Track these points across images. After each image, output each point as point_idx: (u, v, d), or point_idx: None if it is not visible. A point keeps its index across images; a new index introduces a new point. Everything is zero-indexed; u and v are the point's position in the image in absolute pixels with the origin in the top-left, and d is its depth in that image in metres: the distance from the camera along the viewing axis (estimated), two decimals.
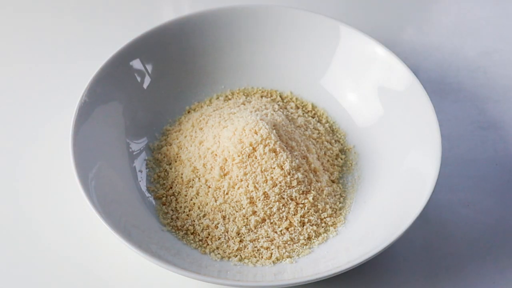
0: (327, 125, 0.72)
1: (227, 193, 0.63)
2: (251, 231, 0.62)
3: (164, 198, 0.65)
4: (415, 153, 0.64)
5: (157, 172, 0.68)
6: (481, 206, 0.67)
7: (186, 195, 0.65)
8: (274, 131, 0.65)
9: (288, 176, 0.63)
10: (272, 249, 0.61)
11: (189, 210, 0.64)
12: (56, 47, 0.82)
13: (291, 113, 0.71)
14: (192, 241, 0.62)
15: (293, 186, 0.63)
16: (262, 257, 0.61)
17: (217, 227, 0.62)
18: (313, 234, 0.62)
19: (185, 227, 0.63)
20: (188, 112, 0.73)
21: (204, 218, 0.63)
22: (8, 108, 0.76)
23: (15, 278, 0.61)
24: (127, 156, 0.67)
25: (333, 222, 0.64)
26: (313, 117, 0.72)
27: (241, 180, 0.63)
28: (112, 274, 0.62)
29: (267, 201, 0.63)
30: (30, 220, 0.65)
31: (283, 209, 0.63)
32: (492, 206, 0.67)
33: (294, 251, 0.61)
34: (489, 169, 0.70)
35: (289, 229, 0.62)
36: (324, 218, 0.64)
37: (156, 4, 0.90)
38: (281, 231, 0.62)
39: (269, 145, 0.64)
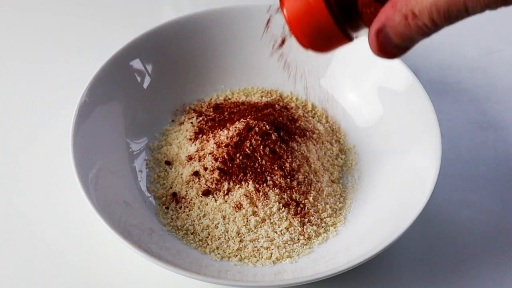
0: (327, 125, 0.72)
1: (227, 193, 0.63)
2: (251, 231, 0.62)
3: (164, 198, 0.65)
4: (415, 153, 0.64)
5: (157, 172, 0.68)
6: (481, 206, 0.67)
7: (186, 195, 0.65)
8: (275, 131, 0.65)
9: (289, 177, 0.63)
10: (272, 249, 0.61)
11: (189, 210, 0.64)
12: (56, 47, 0.82)
13: (291, 113, 0.71)
14: (192, 241, 0.62)
15: (293, 187, 0.63)
16: (262, 257, 0.61)
17: (217, 227, 0.62)
18: (313, 234, 0.62)
19: (185, 227, 0.63)
20: (188, 112, 0.73)
21: (204, 218, 0.63)
22: (8, 108, 0.76)
23: (15, 278, 0.61)
24: (127, 156, 0.67)
25: (333, 222, 0.64)
26: (313, 117, 0.72)
27: (241, 180, 0.63)
28: (112, 274, 0.62)
29: (267, 201, 0.63)
30: (30, 220, 0.65)
31: (283, 209, 0.63)
32: (492, 206, 0.67)
33: (294, 251, 0.61)
34: (489, 169, 0.70)
35: (289, 229, 0.62)
36: (324, 218, 0.64)
37: (156, 4, 0.90)
38: (281, 231, 0.62)
39: (269, 145, 0.64)
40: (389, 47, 0.42)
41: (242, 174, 0.63)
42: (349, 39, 0.45)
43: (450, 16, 0.40)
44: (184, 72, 0.74)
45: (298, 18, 0.44)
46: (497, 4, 0.39)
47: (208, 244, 0.62)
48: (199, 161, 0.65)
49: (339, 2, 0.43)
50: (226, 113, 0.70)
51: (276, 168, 0.64)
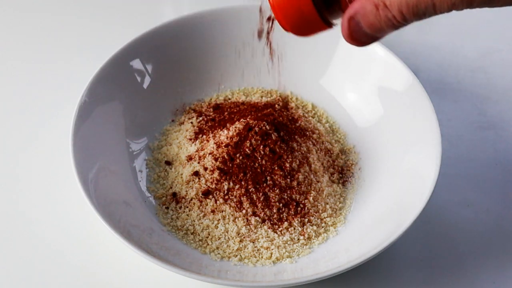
0: (327, 125, 0.72)
1: (227, 193, 0.63)
2: (251, 231, 0.62)
3: (164, 198, 0.65)
4: (415, 153, 0.64)
5: (157, 172, 0.68)
6: (481, 206, 0.67)
7: (186, 195, 0.65)
8: (275, 131, 0.65)
9: (289, 177, 0.63)
10: (272, 249, 0.61)
11: (189, 210, 0.64)
12: (56, 47, 0.82)
13: (291, 113, 0.71)
14: (192, 241, 0.62)
15: (293, 187, 0.63)
16: (262, 257, 0.61)
17: (217, 227, 0.62)
18: (313, 234, 0.62)
19: (185, 227, 0.63)
20: (188, 112, 0.73)
21: (204, 218, 0.63)
22: (8, 108, 0.76)
23: (15, 278, 0.61)
24: (127, 156, 0.67)
25: (333, 222, 0.64)
26: (313, 117, 0.72)
27: (241, 180, 0.63)
28: (112, 274, 0.62)
29: (267, 202, 0.63)
30: (30, 220, 0.65)
31: (283, 209, 0.63)
32: (492, 206, 0.67)
33: (294, 251, 0.61)
34: (489, 169, 0.70)
35: (289, 229, 0.62)
36: (324, 218, 0.64)
37: (156, 4, 0.90)
38: (281, 231, 0.62)
39: (269, 145, 0.64)
40: (359, 34, 0.44)
41: (242, 174, 0.63)
42: (329, 25, 0.48)
43: (418, 12, 0.41)
44: (184, 72, 0.74)
45: (282, 3, 0.47)
46: (462, 6, 0.41)
47: (208, 244, 0.62)
48: (199, 161, 0.65)
49: None
50: (226, 113, 0.71)
51: (276, 168, 0.64)
